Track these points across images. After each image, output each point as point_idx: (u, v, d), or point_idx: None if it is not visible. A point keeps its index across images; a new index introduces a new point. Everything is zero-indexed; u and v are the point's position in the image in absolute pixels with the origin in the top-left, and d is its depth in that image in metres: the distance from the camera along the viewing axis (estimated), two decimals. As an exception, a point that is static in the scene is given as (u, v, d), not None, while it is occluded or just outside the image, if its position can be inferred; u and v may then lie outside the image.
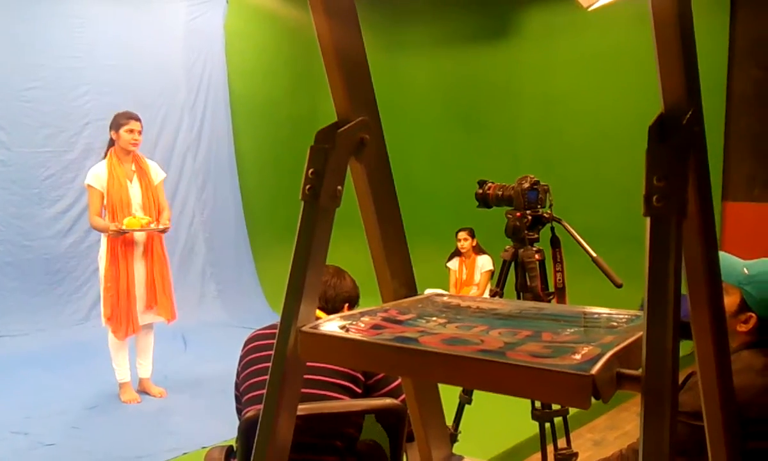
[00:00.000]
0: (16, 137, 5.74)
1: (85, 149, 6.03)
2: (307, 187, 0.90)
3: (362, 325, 0.86)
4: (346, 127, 0.93)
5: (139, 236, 4.36)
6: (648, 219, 0.71)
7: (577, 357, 0.70)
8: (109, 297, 4.31)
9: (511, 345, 0.76)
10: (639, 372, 0.69)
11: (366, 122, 0.96)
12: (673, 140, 0.71)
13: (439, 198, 7.65)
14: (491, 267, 6.33)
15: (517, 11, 7.31)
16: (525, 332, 0.82)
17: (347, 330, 0.84)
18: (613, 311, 0.93)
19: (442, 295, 1.07)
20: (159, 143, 6.46)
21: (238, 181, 7.29)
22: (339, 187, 0.92)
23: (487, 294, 6.30)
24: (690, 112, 0.74)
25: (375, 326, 0.85)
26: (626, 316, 0.89)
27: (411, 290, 1.08)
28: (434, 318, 0.90)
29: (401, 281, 1.06)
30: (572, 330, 0.83)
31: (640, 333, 0.77)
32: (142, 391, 4.58)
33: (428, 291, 1.22)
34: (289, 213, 7.81)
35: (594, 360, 0.68)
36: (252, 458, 0.89)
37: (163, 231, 4.42)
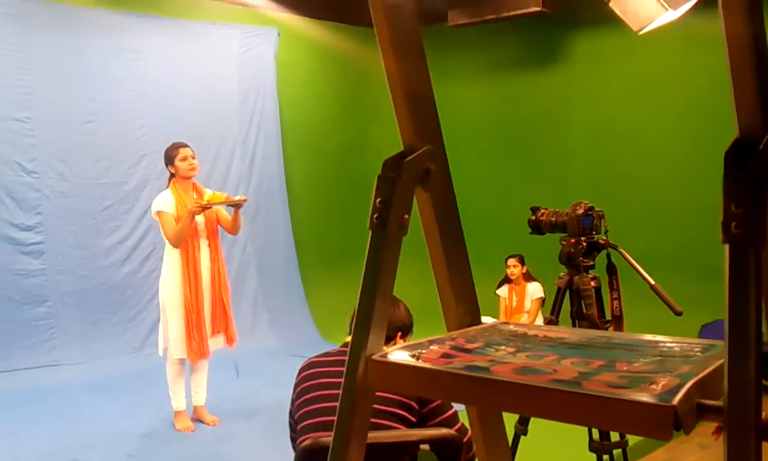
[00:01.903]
0: (75, 169, 5.91)
1: (142, 180, 6.19)
2: (375, 216, 0.91)
3: (431, 354, 0.86)
4: (412, 156, 0.94)
5: (205, 264, 4.43)
6: (726, 247, 0.70)
7: (657, 387, 0.69)
8: (186, 322, 4.36)
9: (586, 375, 0.75)
10: (720, 402, 0.68)
11: (432, 151, 0.96)
12: (751, 166, 0.70)
13: (488, 225, 7.60)
14: (542, 294, 6.26)
15: (565, 36, 7.28)
16: (598, 362, 0.81)
17: (417, 359, 0.84)
18: (686, 340, 0.91)
19: (508, 324, 1.06)
20: (213, 174, 6.58)
21: (288, 210, 7.37)
22: (406, 216, 0.93)
23: (539, 322, 6.23)
24: (767, 137, 0.73)
25: (444, 355, 0.85)
26: (701, 345, 0.88)
27: (475, 318, 1.08)
28: (503, 347, 0.90)
29: (466, 309, 1.06)
30: (646, 360, 0.81)
31: (719, 363, 0.75)
32: (197, 419, 4.62)
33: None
34: (338, 241, 7.90)
35: (674, 391, 0.67)
36: (323, 487, 0.89)
37: (241, 204, 4.51)
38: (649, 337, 0.95)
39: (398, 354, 0.87)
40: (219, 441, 4.37)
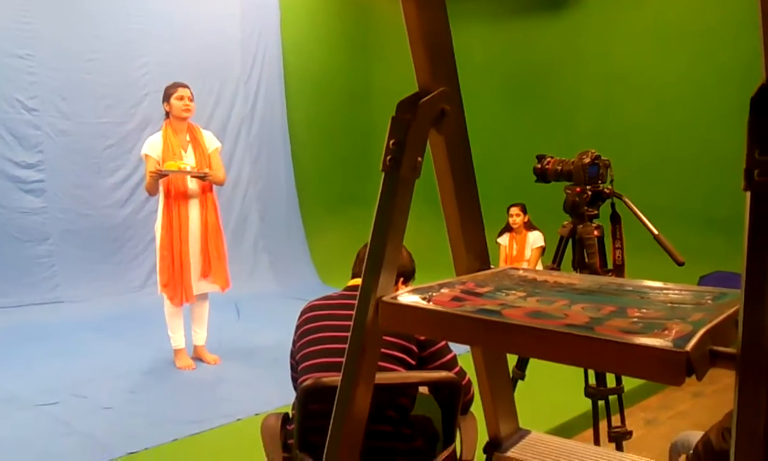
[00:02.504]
0: (76, 108, 5.88)
1: (143, 120, 6.14)
2: (389, 158, 0.90)
3: (442, 297, 0.86)
4: (427, 97, 0.92)
5: (194, 209, 4.42)
6: (748, 194, 0.69)
7: (670, 333, 0.69)
8: (165, 266, 4.40)
9: (598, 320, 0.75)
10: (733, 349, 0.68)
11: (447, 92, 0.95)
12: (776, 113, 0.69)
13: (492, 172, 7.55)
14: (542, 243, 6.26)
15: (577, -19, 7.16)
16: (609, 308, 0.81)
17: (428, 301, 0.84)
18: (696, 288, 0.91)
19: (517, 269, 1.06)
20: (214, 115, 6.54)
21: (290, 154, 7.34)
22: (419, 158, 0.92)
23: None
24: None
25: (455, 298, 0.85)
26: (711, 293, 0.87)
27: (485, 263, 1.08)
28: (513, 292, 0.89)
29: (476, 254, 1.06)
30: (658, 307, 0.81)
31: (731, 311, 0.75)
32: (197, 358, 4.67)
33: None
34: (340, 186, 7.89)
35: (687, 337, 0.67)
36: (331, 425, 0.90)
37: (203, 178, 4.39)
38: (658, 284, 0.95)
39: (409, 296, 0.87)
40: (219, 379, 4.42)
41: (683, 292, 0.89)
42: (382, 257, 0.89)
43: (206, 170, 4.40)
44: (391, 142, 0.91)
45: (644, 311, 0.80)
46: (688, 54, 6.36)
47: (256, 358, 4.78)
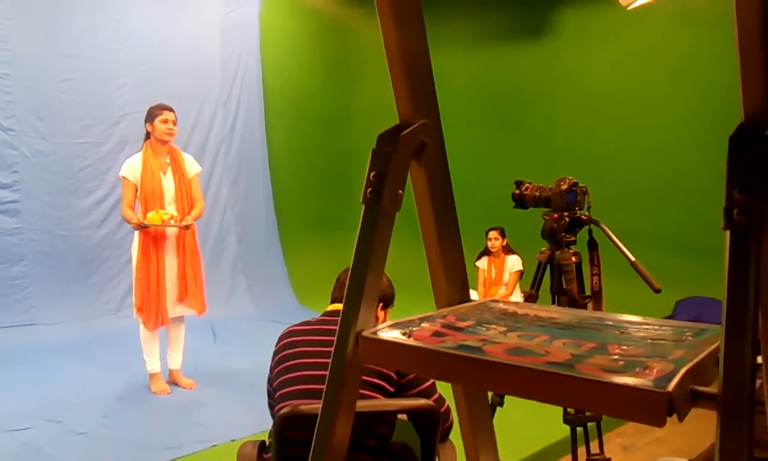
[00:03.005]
0: (53, 127, 5.82)
1: (121, 140, 6.10)
2: (369, 190, 0.90)
3: (423, 331, 0.85)
4: (408, 130, 0.92)
5: (171, 232, 4.39)
6: (727, 233, 0.69)
7: (651, 372, 0.68)
8: (139, 288, 4.34)
9: (579, 358, 0.74)
10: (714, 389, 0.68)
11: (428, 125, 0.95)
12: (755, 151, 0.69)
13: (470, 196, 7.59)
14: (521, 267, 6.29)
15: (553, 9, 7.24)
16: (589, 344, 0.80)
17: (409, 336, 0.83)
18: (675, 323, 0.91)
19: (498, 302, 1.06)
20: (193, 136, 6.51)
21: (269, 175, 7.32)
22: (400, 191, 0.91)
23: (517, 295, 6.27)
24: (771, 123, 0.72)
25: (436, 333, 0.84)
26: (692, 329, 0.87)
27: (465, 295, 1.07)
28: (494, 326, 0.89)
29: (456, 285, 1.05)
30: (638, 343, 0.81)
31: (712, 348, 0.75)
32: (172, 382, 4.61)
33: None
34: (319, 208, 7.87)
35: (668, 377, 0.67)
36: (310, 458, 0.88)
37: (185, 228, 4.39)
38: (638, 319, 0.95)
39: (389, 332, 0.86)
40: (195, 404, 4.36)
41: (663, 327, 0.89)
42: (362, 290, 0.89)
43: (189, 220, 4.38)
44: (372, 174, 0.90)
45: (624, 348, 0.79)
46: (664, 81, 6.45)
47: (233, 382, 4.72)
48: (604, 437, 3.26)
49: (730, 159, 0.69)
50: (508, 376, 0.73)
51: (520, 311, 0.99)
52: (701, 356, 0.73)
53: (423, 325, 0.88)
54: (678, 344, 0.80)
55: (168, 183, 4.39)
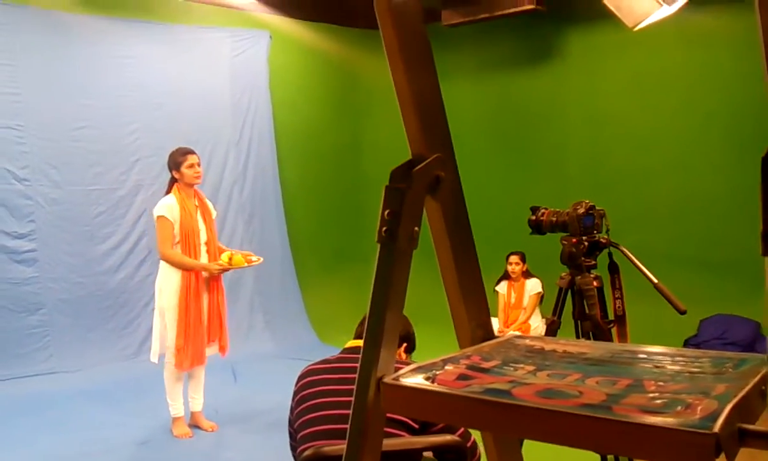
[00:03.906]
0: (67, 176, 5.85)
1: (135, 185, 6.13)
2: (384, 229, 0.86)
3: (447, 375, 0.81)
4: (421, 165, 0.89)
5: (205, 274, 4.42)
6: (767, 259, 0.65)
7: (694, 412, 0.64)
8: (182, 328, 4.30)
9: (615, 397, 0.70)
10: (764, 427, 0.63)
11: (441, 158, 0.92)
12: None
13: (487, 223, 7.55)
14: (540, 290, 6.24)
15: (559, 33, 7.24)
16: (624, 381, 0.76)
17: (432, 381, 0.79)
18: (713, 353, 0.87)
19: (524, 338, 1.02)
20: (206, 178, 6.49)
21: (283, 212, 7.32)
22: (416, 228, 0.88)
23: (537, 319, 6.20)
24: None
25: (461, 377, 0.80)
26: (731, 360, 0.83)
27: (487, 332, 1.03)
28: (521, 365, 0.85)
29: (478, 322, 1.02)
30: (676, 378, 0.77)
31: (756, 379, 0.71)
32: (194, 425, 4.57)
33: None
34: (334, 242, 7.85)
35: (713, 416, 0.62)
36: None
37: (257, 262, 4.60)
38: (672, 350, 0.90)
39: (411, 377, 0.82)
40: (218, 446, 4.32)
41: (700, 359, 0.85)
42: (381, 332, 0.85)
43: (261, 259, 4.61)
44: (386, 212, 0.87)
45: (662, 383, 0.75)
46: (673, 99, 6.42)
47: (255, 423, 4.68)
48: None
49: (764, 180, 0.65)
50: (540, 421, 0.69)
51: (548, 348, 0.95)
52: (745, 390, 0.69)
53: (447, 368, 0.84)
54: (719, 377, 0.75)
55: (200, 225, 4.41)
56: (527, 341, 0.99)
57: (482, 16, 6.96)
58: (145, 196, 6.07)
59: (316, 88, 7.92)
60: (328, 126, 7.92)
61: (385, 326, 0.85)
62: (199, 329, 4.33)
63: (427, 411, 0.83)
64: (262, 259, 4.59)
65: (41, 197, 5.73)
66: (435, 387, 0.77)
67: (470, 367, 0.84)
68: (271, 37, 7.25)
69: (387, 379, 0.82)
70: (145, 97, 6.28)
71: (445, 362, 0.86)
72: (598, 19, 6.64)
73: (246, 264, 4.49)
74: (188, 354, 4.31)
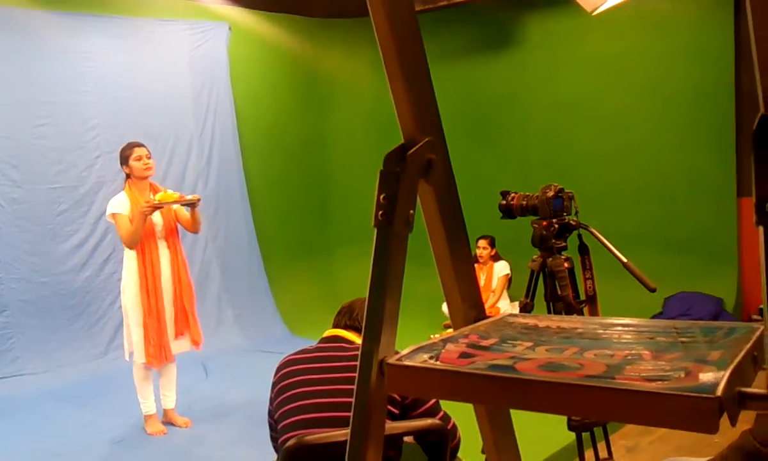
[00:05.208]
0: (27, 175, 5.75)
1: (97, 182, 6.05)
2: (380, 213, 0.87)
3: (449, 354, 0.83)
4: (414, 149, 0.90)
5: (165, 267, 4.34)
6: (761, 229, 0.67)
7: (695, 378, 0.66)
8: (144, 327, 4.26)
9: (616, 368, 0.72)
10: (761, 389, 0.66)
11: (433, 142, 0.93)
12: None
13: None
14: (508, 272, 6.33)
15: (518, 19, 7.29)
16: (621, 353, 0.78)
17: (436, 360, 0.81)
18: (702, 323, 0.90)
19: (516, 316, 1.04)
20: (169, 172, 6.46)
21: (249, 204, 7.28)
22: (411, 211, 0.89)
23: (506, 302, 6.28)
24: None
25: (463, 355, 0.82)
26: (722, 329, 0.86)
27: (480, 311, 1.05)
28: (519, 342, 0.87)
29: (470, 303, 1.03)
30: (671, 348, 0.79)
31: (748, 346, 0.74)
32: (168, 422, 4.54)
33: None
34: (301, 234, 7.84)
35: (715, 380, 0.65)
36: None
37: (194, 204, 4.39)
38: (664, 322, 0.93)
39: (414, 357, 0.83)
40: (193, 442, 4.30)
41: (692, 329, 0.88)
42: (381, 316, 0.86)
43: (198, 195, 4.42)
44: (382, 196, 0.88)
45: (658, 353, 0.77)
46: (633, 82, 6.52)
47: (229, 417, 4.66)
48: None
49: (756, 154, 0.68)
50: (546, 394, 0.71)
51: (542, 324, 0.97)
52: (740, 356, 0.72)
53: (448, 347, 0.86)
54: (711, 345, 0.78)
55: (156, 218, 4.35)
56: (521, 319, 1.01)
57: (442, 3, 7.00)
58: (107, 193, 5.95)
59: (278, 79, 7.87)
60: (291, 117, 7.89)
61: (385, 308, 0.87)
62: (160, 326, 4.28)
63: (432, 389, 0.84)
64: (199, 196, 4.43)
65: (1, 196, 5.63)
66: (440, 365, 0.79)
67: (470, 345, 0.86)
68: (230, 28, 7.19)
69: (390, 360, 0.83)
70: (105, 92, 6.19)
71: (444, 342, 0.88)
72: (556, 4, 6.72)
73: (177, 200, 4.30)
74: (156, 351, 4.27)
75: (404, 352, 0.85)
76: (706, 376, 0.66)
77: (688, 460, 2.40)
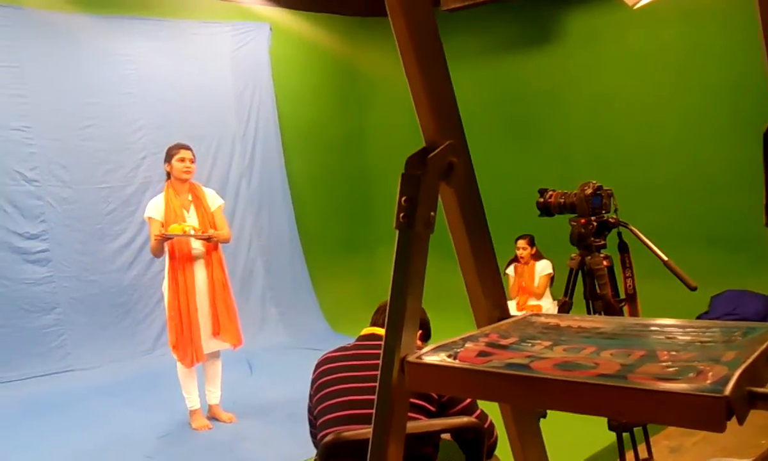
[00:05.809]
0: (76, 175, 5.92)
1: (144, 182, 6.19)
2: (401, 215, 0.90)
3: (467, 352, 0.84)
4: (435, 151, 0.92)
5: (199, 264, 4.42)
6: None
7: (706, 377, 0.67)
8: (173, 326, 4.37)
9: (629, 367, 0.73)
10: (773, 390, 0.66)
11: (454, 145, 0.95)
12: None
13: (494, 207, 7.55)
14: (550, 271, 6.28)
15: (559, 15, 7.22)
16: (638, 352, 0.79)
17: (454, 358, 0.83)
18: (722, 323, 0.90)
19: (539, 315, 1.05)
20: (213, 172, 6.57)
21: (291, 203, 7.36)
22: (432, 213, 0.91)
23: (548, 300, 6.23)
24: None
25: (481, 353, 0.83)
26: (740, 329, 0.86)
27: (504, 311, 1.07)
28: (538, 341, 0.88)
29: (494, 302, 1.05)
30: (687, 347, 0.80)
31: (763, 347, 0.74)
32: (212, 418, 4.62)
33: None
34: (343, 232, 7.90)
35: (724, 380, 0.65)
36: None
37: (208, 240, 4.39)
38: (683, 322, 0.93)
39: (434, 355, 0.85)
40: (236, 438, 4.37)
41: (710, 329, 0.88)
42: (402, 316, 0.89)
43: (211, 232, 4.40)
44: (403, 199, 0.90)
45: (674, 353, 0.78)
46: (674, 77, 6.41)
47: (273, 413, 4.73)
48: (651, 440, 3.21)
49: (766, 155, 0.68)
50: (559, 392, 0.72)
51: (563, 324, 0.98)
52: (754, 356, 0.72)
53: (467, 345, 0.87)
54: (728, 345, 0.79)
55: (191, 220, 4.43)
56: (543, 319, 1.03)
57: (481, 0, 6.96)
58: (153, 193, 6.06)
59: (318, 78, 7.94)
60: (332, 116, 7.95)
61: (406, 308, 0.89)
62: (192, 327, 4.35)
63: (451, 386, 0.86)
64: (209, 235, 4.36)
65: (51, 196, 5.79)
66: (457, 364, 0.81)
67: (489, 344, 0.87)
68: (271, 29, 7.28)
69: (410, 358, 0.85)
70: (149, 94, 6.33)
71: (464, 340, 0.90)
72: (597, -1, 6.65)
73: (181, 233, 4.29)
74: (186, 351, 4.35)
75: (425, 350, 0.87)
76: (717, 375, 0.67)
77: None
